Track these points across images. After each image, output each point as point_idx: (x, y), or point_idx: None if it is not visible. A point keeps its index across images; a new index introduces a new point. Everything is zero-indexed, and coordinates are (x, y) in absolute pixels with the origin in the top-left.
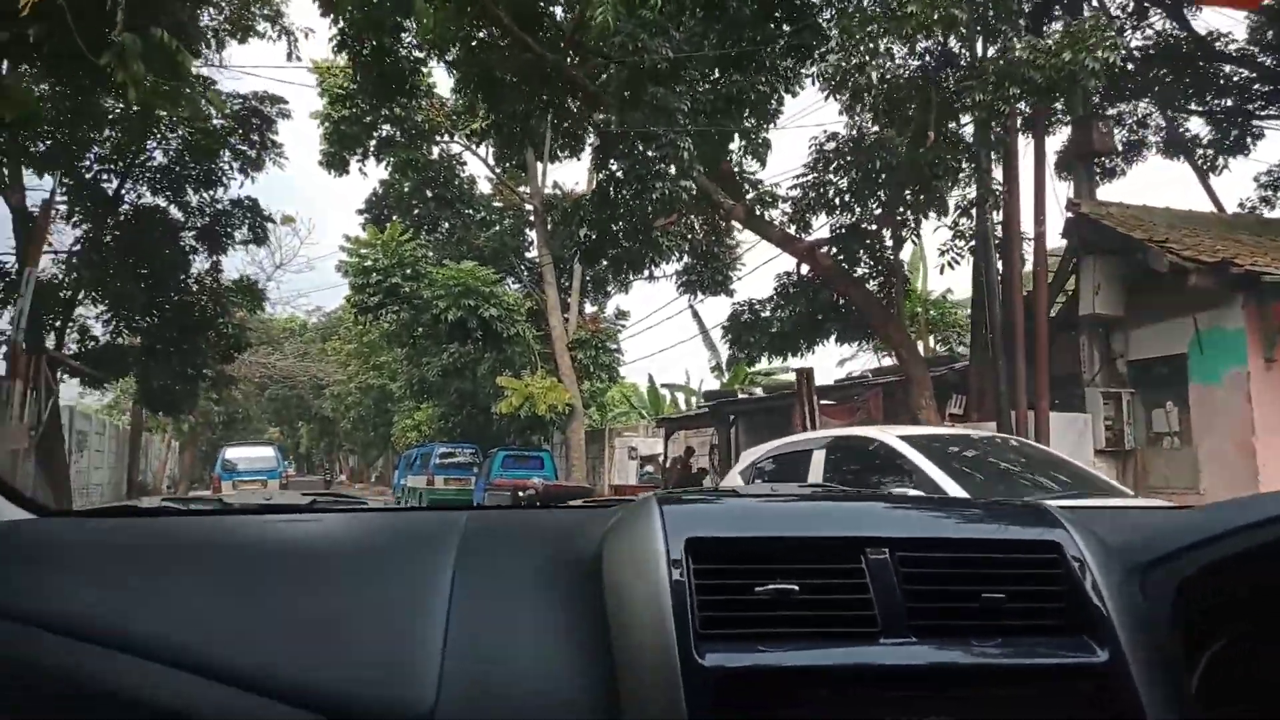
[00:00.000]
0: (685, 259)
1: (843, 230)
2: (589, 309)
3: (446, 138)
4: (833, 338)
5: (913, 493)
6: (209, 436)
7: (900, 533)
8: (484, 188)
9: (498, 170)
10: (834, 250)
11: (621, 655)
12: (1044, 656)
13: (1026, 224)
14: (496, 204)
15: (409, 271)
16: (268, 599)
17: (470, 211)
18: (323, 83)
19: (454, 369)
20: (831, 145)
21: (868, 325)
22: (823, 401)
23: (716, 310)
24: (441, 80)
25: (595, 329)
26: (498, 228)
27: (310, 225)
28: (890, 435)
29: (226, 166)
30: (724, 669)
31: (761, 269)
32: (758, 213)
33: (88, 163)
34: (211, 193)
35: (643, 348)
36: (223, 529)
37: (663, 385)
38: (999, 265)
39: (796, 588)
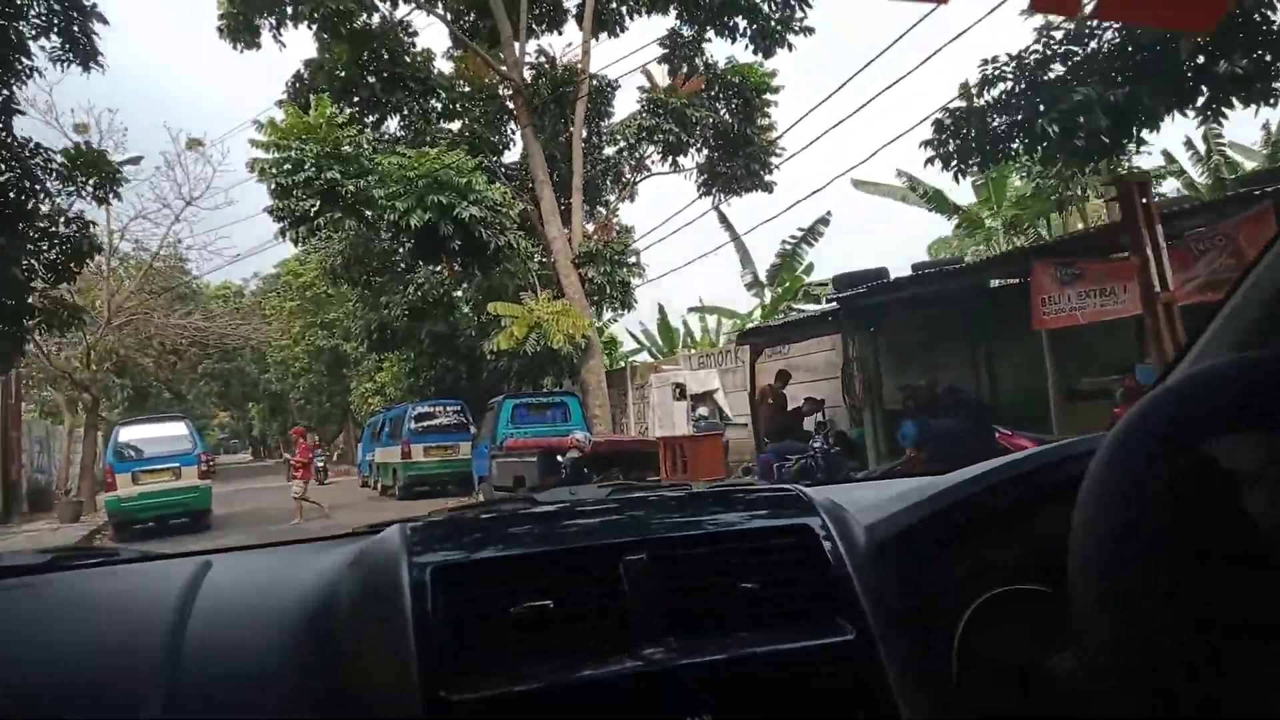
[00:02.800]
0: (705, 151)
1: None
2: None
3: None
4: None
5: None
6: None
7: (656, 533)
8: (444, 67)
9: (462, 38)
10: None
11: (360, 701)
12: (796, 640)
13: None
14: (463, 87)
15: (350, 167)
16: None
17: (430, 101)
18: None
19: (423, 305)
20: None
21: None
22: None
23: (746, 213)
24: None
25: (607, 238)
26: (466, 120)
27: (225, 150)
28: None
29: None
30: (471, 700)
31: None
32: None
33: None
34: None
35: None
36: None
37: (691, 310)
38: None
39: (551, 604)
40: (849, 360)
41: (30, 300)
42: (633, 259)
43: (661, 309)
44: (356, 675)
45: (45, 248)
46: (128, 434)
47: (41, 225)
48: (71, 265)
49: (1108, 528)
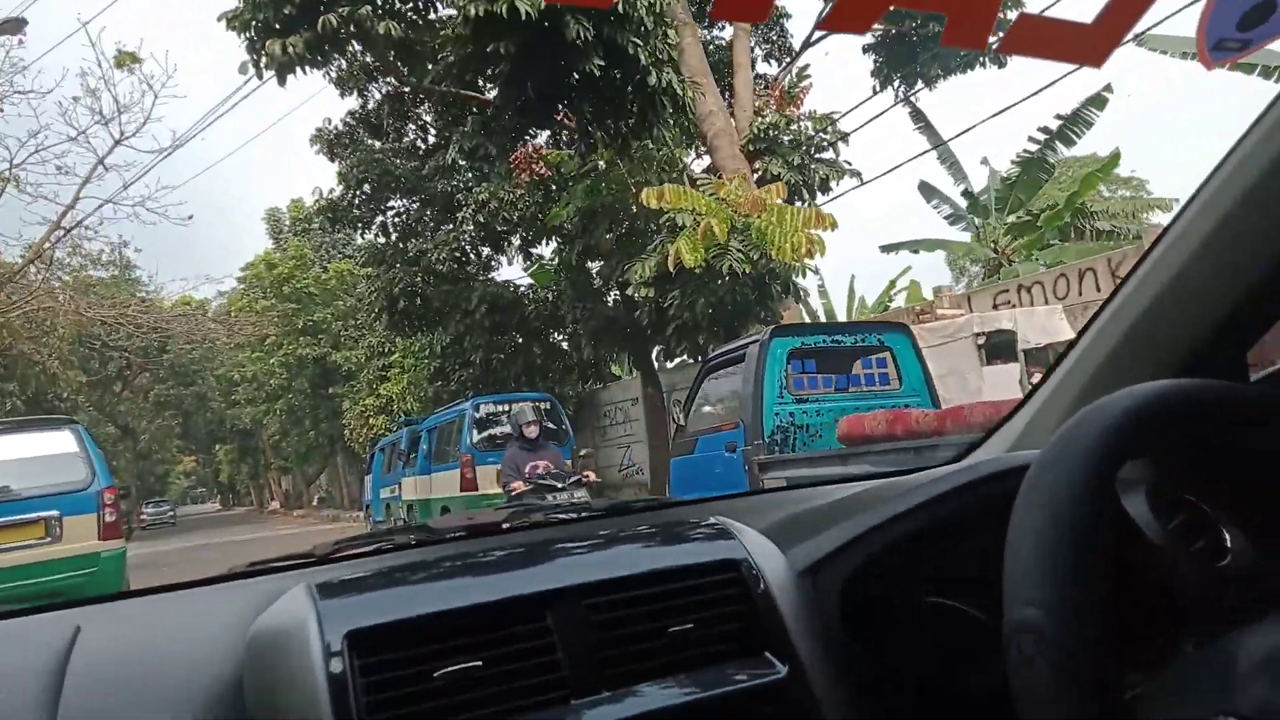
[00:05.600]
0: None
1: None
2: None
3: None
4: None
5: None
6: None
7: (583, 578)
8: None
9: None
10: None
11: None
12: (729, 684)
13: None
14: None
15: None
16: None
17: None
18: None
19: (484, 242)
20: None
21: None
22: None
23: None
24: None
25: (793, 113)
26: None
27: (170, 67)
28: None
29: None
30: None
31: None
32: None
33: None
34: None
35: None
36: None
37: (886, 249)
38: None
39: (480, 663)
40: None
41: None
42: (828, 149)
43: None
44: None
45: None
46: None
47: None
48: None
49: (1042, 544)
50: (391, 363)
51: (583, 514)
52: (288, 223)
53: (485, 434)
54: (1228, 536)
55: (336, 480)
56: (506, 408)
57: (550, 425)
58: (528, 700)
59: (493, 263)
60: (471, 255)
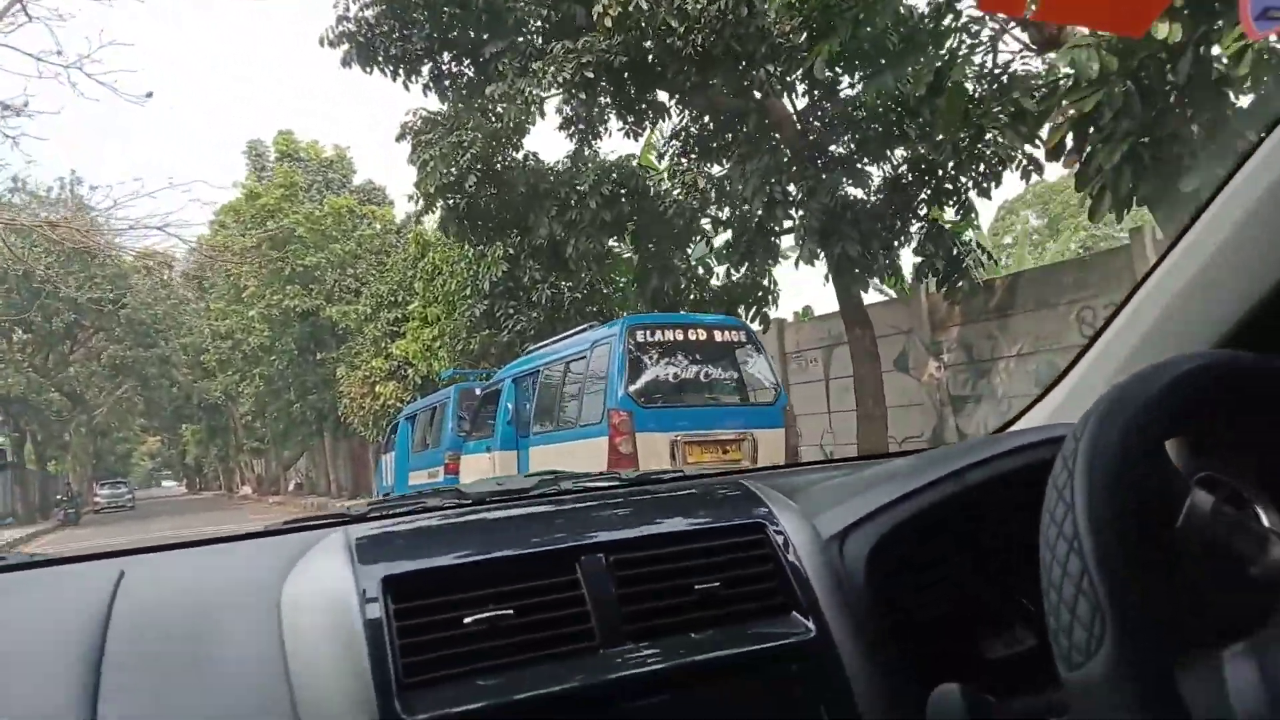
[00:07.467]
0: None
1: None
2: None
3: None
4: None
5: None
6: None
7: (613, 534)
8: None
9: None
10: None
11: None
12: (756, 641)
13: None
14: None
15: None
16: None
17: None
18: None
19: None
20: None
21: None
22: None
23: None
24: None
25: None
26: None
27: None
28: None
29: None
30: (430, 718)
31: None
32: None
33: None
34: None
35: None
36: None
37: None
38: None
39: (511, 611)
40: None
41: None
42: None
43: None
44: (305, 697)
45: None
46: None
47: None
48: None
49: (1085, 516)
50: (409, 314)
51: (613, 483)
52: (273, 157)
53: (649, 378)
54: (1264, 518)
55: (320, 463)
56: (681, 334)
57: (746, 367)
58: (557, 649)
59: (611, 128)
60: (601, 97)
